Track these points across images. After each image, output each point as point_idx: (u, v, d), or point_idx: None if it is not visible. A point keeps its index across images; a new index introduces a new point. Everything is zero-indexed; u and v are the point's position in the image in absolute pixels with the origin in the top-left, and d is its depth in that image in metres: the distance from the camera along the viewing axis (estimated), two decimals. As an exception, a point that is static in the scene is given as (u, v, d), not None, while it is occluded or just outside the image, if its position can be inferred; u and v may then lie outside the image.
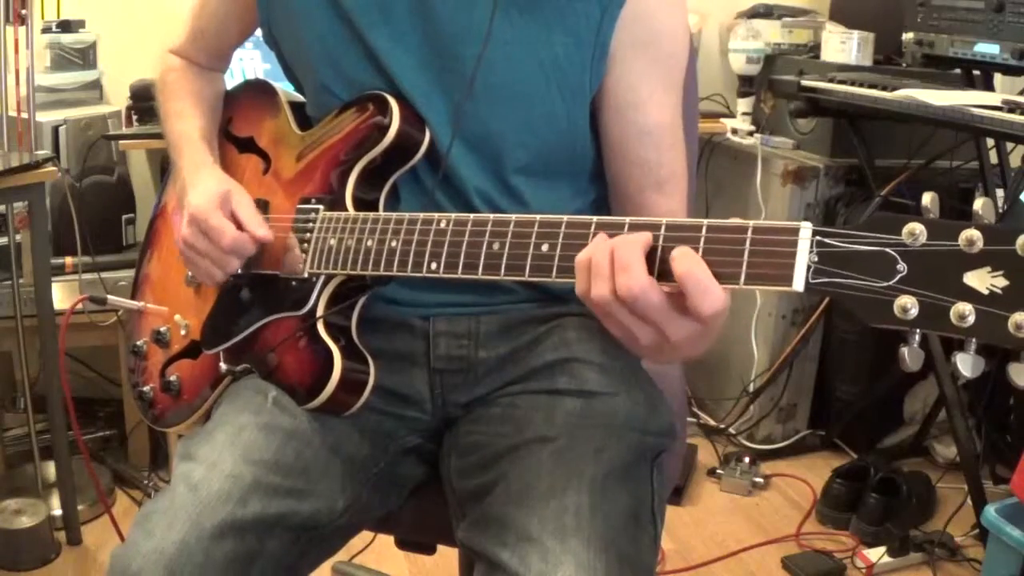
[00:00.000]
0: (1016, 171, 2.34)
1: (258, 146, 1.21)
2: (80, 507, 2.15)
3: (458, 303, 1.11)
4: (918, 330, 0.71)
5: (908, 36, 2.28)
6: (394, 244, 0.97)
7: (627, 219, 0.83)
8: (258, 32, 1.19)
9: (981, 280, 0.68)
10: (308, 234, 1.06)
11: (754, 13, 2.85)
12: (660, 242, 0.80)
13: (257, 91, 1.26)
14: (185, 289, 1.22)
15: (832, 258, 0.73)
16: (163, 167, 1.95)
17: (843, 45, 2.55)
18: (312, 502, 1.00)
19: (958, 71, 2.34)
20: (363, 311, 1.08)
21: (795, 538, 2.25)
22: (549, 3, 1.04)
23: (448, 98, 1.06)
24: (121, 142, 2.36)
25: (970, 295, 0.68)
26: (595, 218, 0.84)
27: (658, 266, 0.79)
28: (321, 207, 1.07)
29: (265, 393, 1.06)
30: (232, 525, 0.93)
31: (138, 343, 1.26)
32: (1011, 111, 1.76)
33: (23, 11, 2.03)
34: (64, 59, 2.44)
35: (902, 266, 0.70)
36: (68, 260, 2.25)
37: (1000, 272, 0.67)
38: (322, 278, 1.05)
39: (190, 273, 1.19)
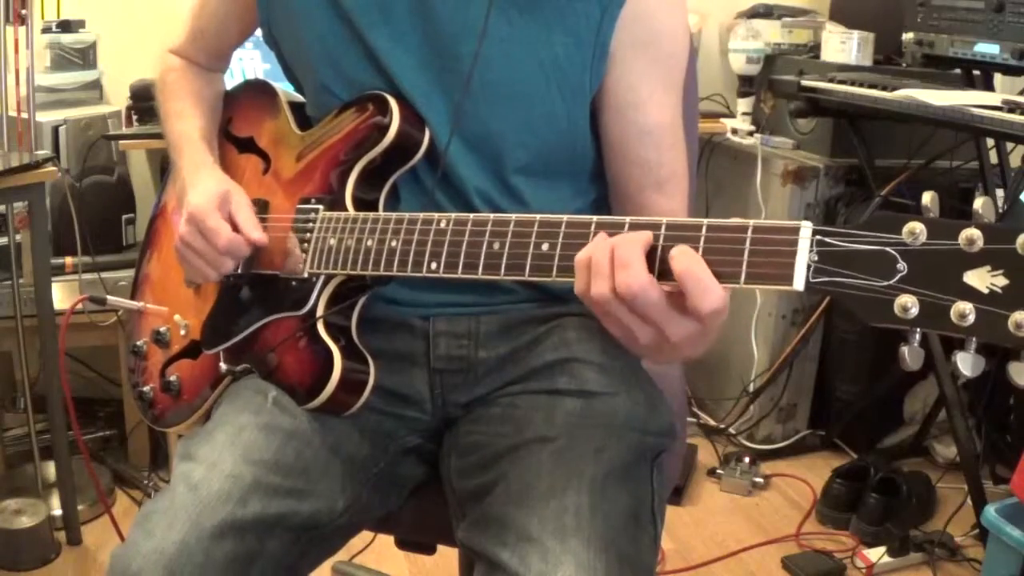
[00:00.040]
0: (1016, 171, 2.34)
1: (258, 146, 1.21)
2: (80, 507, 2.15)
3: (458, 303, 1.11)
4: (918, 329, 0.71)
5: (908, 36, 2.28)
6: (394, 244, 0.97)
7: (627, 219, 0.83)
8: (258, 32, 1.19)
9: (981, 279, 0.68)
10: (308, 234, 1.06)
11: (754, 13, 2.85)
12: (660, 241, 0.80)
13: (257, 91, 1.26)
14: (185, 289, 1.22)
15: (832, 257, 0.73)
16: (163, 167, 1.95)
17: (843, 45, 2.55)
18: (312, 502, 1.00)
19: (958, 71, 2.34)
20: (363, 311, 1.08)
21: (795, 538, 2.25)
22: (549, 3, 1.04)
23: (448, 98, 1.06)
24: (121, 142, 2.36)
25: (970, 294, 0.68)
26: (595, 218, 0.84)
27: (658, 265, 0.79)
28: (321, 207, 1.07)
29: (265, 393, 1.06)
30: (232, 525, 0.93)
31: (138, 343, 1.26)
32: (1011, 111, 1.76)
33: (23, 11, 2.03)
34: (64, 59, 2.44)
35: (902, 265, 0.70)
36: (68, 260, 2.25)
37: (1000, 271, 0.67)
38: (322, 278, 1.05)
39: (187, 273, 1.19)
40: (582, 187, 1.15)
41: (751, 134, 2.68)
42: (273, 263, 1.09)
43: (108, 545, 2.11)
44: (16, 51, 2.04)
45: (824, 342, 2.63)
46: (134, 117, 2.43)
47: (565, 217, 0.86)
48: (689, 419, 2.66)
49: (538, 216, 0.87)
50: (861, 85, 2.11)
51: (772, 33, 2.77)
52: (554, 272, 0.85)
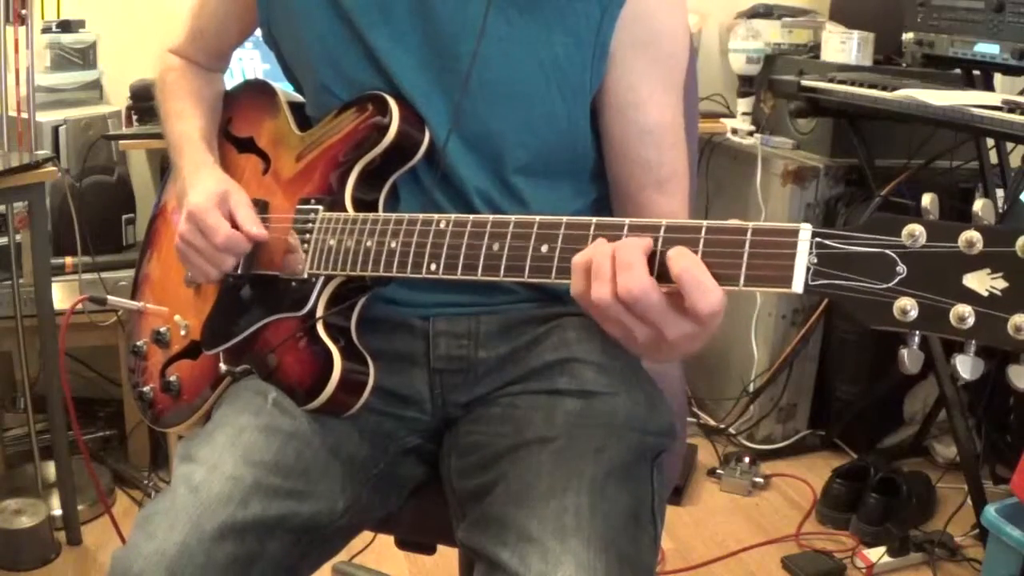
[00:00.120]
0: (1016, 171, 2.34)
1: (258, 146, 1.21)
2: (80, 507, 2.15)
3: (458, 303, 1.11)
4: (917, 332, 0.71)
5: (908, 36, 2.28)
6: (394, 245, 0.97)
7: (626, 220, 0.83)
8: (258, 32, 1.19)
9: (981, 282, 0.68)
10: (308, 235, 1.06)
11: (754, 13, 2.85)
12: (659, 244, 0.80)
13: (257, 91, 1.26)
14: (185, 289, 1.22)
15: (832, 260, 0.73)
16: (163, 167, 1.95)
17: (843, 45, 2.55)
18: (312, 503, 1.00)
19: (958, 71, 2.34)
20: (363, 311, 1.08)
21: (795, 538, 2.25)
22: (549, 3, 1.04)
23: (448, 98, 1.06)
24: (121, 142, 2.36)
25: (970, 297, 0.68)
26: (594, 219, 0.85)
27: (657, 268, 0.79)
28: (321, 207, 1.07)
29: (265, 394, 1.06)
30: (233, 527, 0.93)
31: (138, 343, 1.26)
32: (1011, 111, 1.76)
33: (23, 11, 2.03)
34: (64, 59, 2.43)
35: (902, 268, 0.70)
36: (68, 260, 2.25)
37: (1000, 274, 0.67)
38: (322, 279, 1.05)
39: (189, 273, 1.19)
40: (582, 187, 1.15)
41: (751, 134, 2.68)
42: (273, 263, 1.09)
43: (108, 545, 2.11)
44: (16, 51, 2.04)
45: (824, 342, 2.63)
46: (134, 117, 2.43)
47: (564, 219, 0.86)
48: (689, 419, 2.66)
49: (537, 217, 0.88)
50: (861, 85, 2.11)
51: (772, 33, 2.77)
52: (553, 274, 0.85)
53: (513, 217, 0.89)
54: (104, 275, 2.24)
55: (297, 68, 1.16)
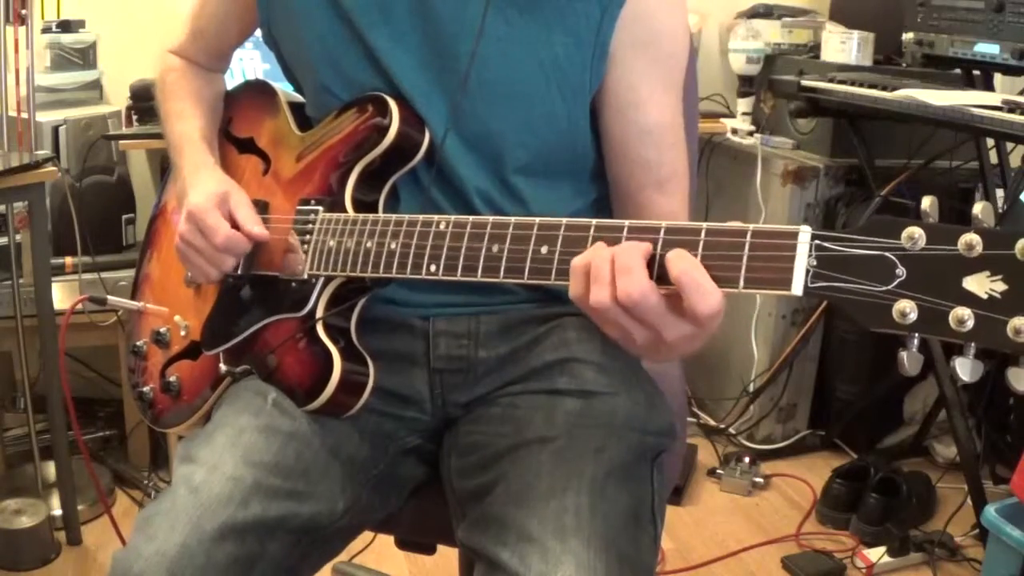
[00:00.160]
0: (1016, 171, 2.34)
1: (258, 147, 1.21)
2: (80, 507, 2.16)
3: (457, 303, 1.11)
4: (917, 334, 0.71)
5: (908, 36, 2.28)
6: (393, 246, 0.97)
7: (626, 222, 0.83)
8: (258, 32, 1.19)
9: (980, 284, 0.68)
10: (308, 235, 1.06)
11: (754, 13, 2.85)
12: (659, 247, 0.80)
13: (257, 91, 1.26)
14: (185, 290, 1.22)
15: (831, 262, 0.73)
16: (163, 167, 1.95)
17: (843, 45, 2.55)
18: (312, 504, 1.00)
19: (958, 71, 2.34)
20: (363, 312, 1.08)
21: (795, 538, 2.25)
22: (549, 3, 1.04)
23: (448, 98, 1.06)
24: (121, 142, 2.36)
25: (969, 300, 0.68)
26: (594, 221, 0.85)
27: (657, 270, 0.79)
28: (320, 208, 1.07)
29: (265, 395, 1.06)
30: (233, 528, 0.93)
31: (138, 343, 1.26)
32: (1011, 111, 1.76)
33: (23, 11, 2.03)
34: (64, 59, 2.43)
35: (901, 270, 0.70)
36: (68, 260, 2.25)
37: (999, 276, 0.67)
38: (322, 279, 1.05)
39: (188, 272, 1.19)
40: (582, 187, 1.15)
41: (751, 134, 2.68)
42: (273, 264, 1.09)
43: (108, 545, 2.11)
44: (16, 51, 2.04)
45: (824, 342, 2.63)
46: (134, 117, 2.43)
47: (564, 220, 0.86)
48: (689, 419, 2.66)
49: (537, 219, 0.88)
50: (861, 85, 2.11)
51: (772, 33, 2.77)
52: (553, 275, 0.86)
53: (513, 219, 0.89)
54: (104, 275, 2.24)
55: (297, 68, 1.16)
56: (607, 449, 1.01)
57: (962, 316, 0.68)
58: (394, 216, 0.99)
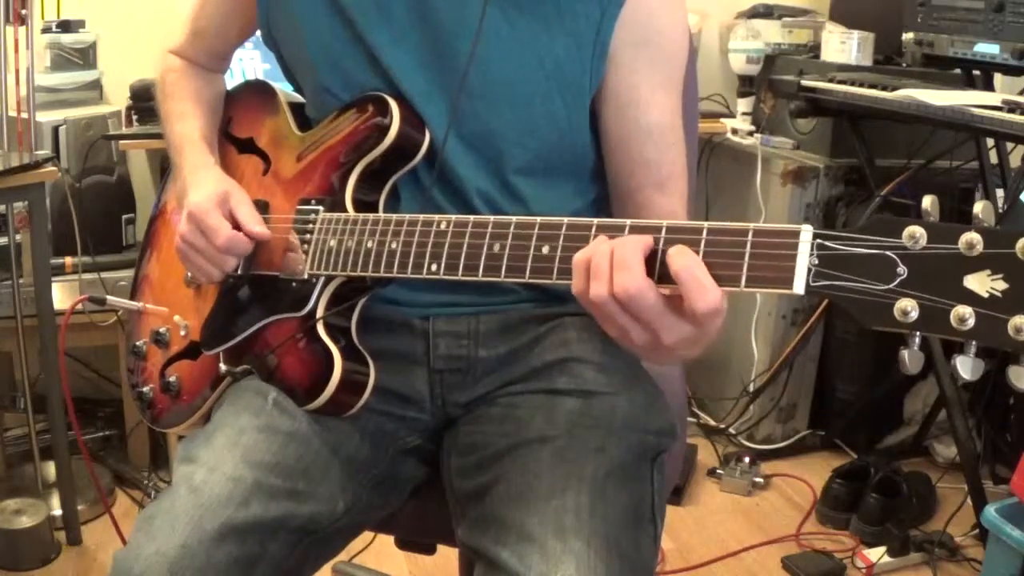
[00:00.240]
0: (1016, 171, 2.34)
1: (258, 147, 1.21)
2: (80, 507, 2.15)
3: (458, 303, 1.11)
4: (918, 333, 0.71)
5: (908, 36, 2.28)
6: (394, 245, 0.97)
7: (628, 221, 0.83)
8: (258, 33, 1.19)
9: (981, 283, 0.68)
10: (308, 235, 1.06)
11: (754, 13, 2.85)
12: (660, 245, 0.80)
13: (257, 91, 1.26)
14: (185, 290, 1.22)
15: (832, 261, 0.73)
16: (163, 167, 1.94)
17: (843, 45, 2.55)
18: (312, 504, 1.00)
19: (958, 71, 2.34)
20: (363, 311, 1.08)
21: (795, 538, 2.25)
22: (549, 2, 1.04)
23: (448, 97, 1.06)
24: (121, 142, 2.36)
25: (970, 298, 0.68)
26: (595, 220, 0.85)
27: (658, 268, 0.79)
28: (321, 208, 1.07)
29: (265, 395, 1.06)
30: (233, 528, 0.93)
31: (138, 343, 1.26)
32: (1011, 111, 1.76)
33: (23, 11, 2.03)
34: (64, 59, 2.43)
35: (902, 269, 0.70)
36: (68, 260, 2.25)
37: (1000, 275, 0.67)
38: (322, 279, 1.05)
39: (189, 273, 1.19)
40: (582, 187, 1.15)
41: (751, 134, 2.68)
42: (273, 264, 1.09)
43: (108, 545, 2.11)
44: (16, 51, 2.04)
45: (824, 342, 2.62)
46: (134, 117, 2.43)
47: (565, 219, 0.86)
48: (689, 419, 2.66)
49: (538, 218, 0.88)
50: (861, 85, 2.11)
51: (772, 33, 2.77)
52: (554, 274, 0.86)
53: (514, 218, 0.89)
54: (104, 275, 2.24)
55: (297, 69, 1.16)
56: (607, 449, 1.01)
57: (963, 314, 0.68)
58: (395, 216, 0.99)
